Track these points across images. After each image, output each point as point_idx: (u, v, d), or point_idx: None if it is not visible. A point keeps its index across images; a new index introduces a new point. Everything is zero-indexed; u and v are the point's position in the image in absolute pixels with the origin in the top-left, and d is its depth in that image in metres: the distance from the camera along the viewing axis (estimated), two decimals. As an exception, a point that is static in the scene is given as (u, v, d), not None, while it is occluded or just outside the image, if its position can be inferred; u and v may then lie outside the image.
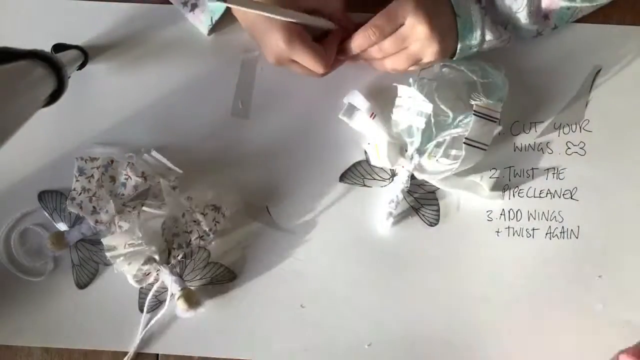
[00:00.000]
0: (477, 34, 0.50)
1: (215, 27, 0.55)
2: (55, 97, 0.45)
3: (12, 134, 0.40)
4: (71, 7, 0.56)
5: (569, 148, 0.55)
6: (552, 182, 0.55)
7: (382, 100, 0.54)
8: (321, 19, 0.49)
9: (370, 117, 0.53)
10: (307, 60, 0.47)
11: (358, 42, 0.49)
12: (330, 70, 0.50)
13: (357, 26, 0.49)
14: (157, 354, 0.55)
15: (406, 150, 0.53)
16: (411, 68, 0.51)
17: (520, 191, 0.55)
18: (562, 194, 0.55)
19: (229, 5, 0.45)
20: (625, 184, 0.55)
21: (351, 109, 0.54)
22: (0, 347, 0.56)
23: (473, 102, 0.50)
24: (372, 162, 0.55)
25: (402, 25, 0.48)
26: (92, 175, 0.54)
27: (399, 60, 0.50)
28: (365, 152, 0.55)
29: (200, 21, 0.54)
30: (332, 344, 0.55)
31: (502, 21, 0.51)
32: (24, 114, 0.41)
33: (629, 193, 0.55)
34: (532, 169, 0.55)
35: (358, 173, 0.56)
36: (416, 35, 0.48)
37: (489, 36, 0.50)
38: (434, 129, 0.52)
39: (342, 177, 0.56)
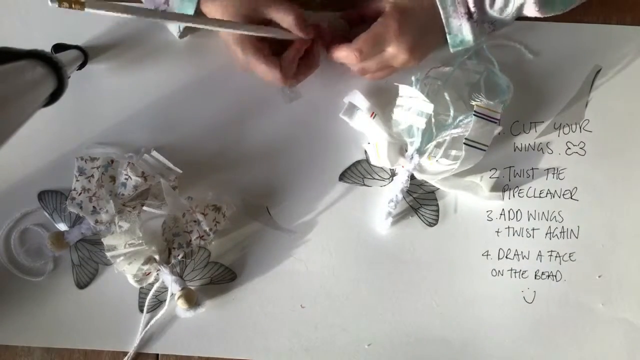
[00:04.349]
0: (468, 42, 0.51)
1: (186, 31, 0.54)
2: (55, 97, 0.45)
3: (12, 134, 0.40)
4: (71, 7, 0.56)
5: (569, 148, 0.55)
6: (552, 182, 0.55)
7: (383, 99, 0.54)
8: (278, 30, 0.49)
9: (371, 116, 0.53)
10: (261, 72, 0.49)
11: (339, 55, 0.51)
12: (295, 81, 0.51)
13: (317, 30, 0.51)
14: (157, 354, 0.55)
15: (406, 150, 0.53)
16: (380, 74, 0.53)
17: (520, 191, 0.55)
18: (562, 194, 0.55)
19: (189, 25, 0.46)
20: (625, 183, 0.55)
21: (351, 109, 0.54)
22: (0, 347, 0.56)
23: (473, 103, 0.50)
24: (372, 162, 0.55)
25: (385, 50, 0.49)
26: (92, 175, 0.54)
27: (378, 74, 0.53)
28: (365, 152, 0.55)
29: (171, 26, 0.54)
30: (332, 344, 0.55)
31: (489, 22, 0.51)
32: (24, 114, 0.41)
33: (628, 193, 0.55)
34: (532, 169, 0.55)
35: (358, 172, 0.56)
36: (398, 61, 0.50)
37: (479, 38, 0.51)
38: (434, 129, 0.52)
39: (342, 177, 0.56)
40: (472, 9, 0.49)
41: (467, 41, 0.50)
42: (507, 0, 0.49)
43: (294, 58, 0.49)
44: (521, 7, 0.49)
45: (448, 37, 0.50)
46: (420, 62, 0.51)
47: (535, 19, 0.52)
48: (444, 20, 0.49)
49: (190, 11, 0.48)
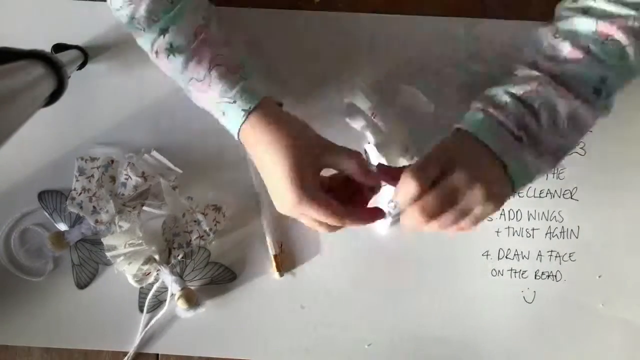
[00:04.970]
0: (531, 171, 0.45)
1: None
2: (55, 97, 0.45)
3: (12, 134, 0.40)
4: (71, 7, 0.56)
5: (568, 148, 0.55)
6: (551, 182, 0.55)
7: (384, 99, 0.54)
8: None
9: (372, 116, 0.53)
10: (318, 217, 0.44)
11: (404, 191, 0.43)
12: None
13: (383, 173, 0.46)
14: (157, 354, 0.55)
15: (407, 150, 0.53)
16: (464, 224, 0.43)
17: (520, 191, 0.55)
18: (562, 194, 0.55)
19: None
20: (625, 183, 0.55)
21: (352, 108, 0.54)
22: (0, 347, 0.56)
23: (474, 106, 0.50)
24: (372, 162, 0.55)
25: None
26: (92, 175, 0.54)
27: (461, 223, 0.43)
28: (366, 152, 0.55)
29: None
30: (332, 344, 0.55)
31: (549, 149, 0.45)
32: (24, 114, 0.41)
33: (628, 193, 0.55)
34: (532, 169, 0.55)
35: None
36: (475, 206, 0.42)
37: (542, 167, 0.45)
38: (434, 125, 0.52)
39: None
40: (518, 133, 0.43)
41: (529, 170, 0.44)
42: (551, 112, 0.44)
43: (360, 207, 0.46)
44: (573, 115, 0.44)
45: (507, 170, 0.43)
46: (498, 205, 0.43)
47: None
48: (497, 153, 0.43)
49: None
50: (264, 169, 0.46)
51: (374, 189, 0.47)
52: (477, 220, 0.43)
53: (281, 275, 0.55)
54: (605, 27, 0.44)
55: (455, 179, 0.41)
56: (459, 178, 0.41)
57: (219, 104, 0.47)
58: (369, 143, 0.55)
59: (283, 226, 0.55)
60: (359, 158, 0.45)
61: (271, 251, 0.54)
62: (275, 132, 0.44)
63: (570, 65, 0.45)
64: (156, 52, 0.48)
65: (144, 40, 0.48)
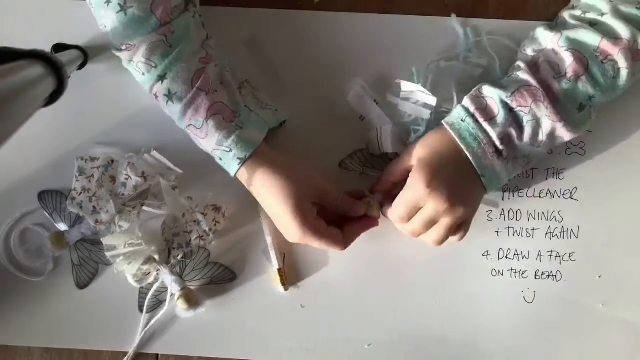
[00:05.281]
0: (504, 180, 0.50)
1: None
2: (55, 97, 0.45)
3: (12, 134, 0.40)
4: (71, 7, 0.56)
5: (568, 148, 0.55)
6: (551, 182, 0.55)
7: (387, 88, 0.55)
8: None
9: (375, 102, 0.53)
10: (322, 247, 0.49)
11: (388, 216, 0.51)
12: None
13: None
14: (157, 354, 0.56)
15: (408, 139, 0.53)
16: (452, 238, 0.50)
17: (520, 191, 0.55)
18: (561, 194, 0.55)
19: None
20: (625, 183, 0.55)
21: (357, 94, 0.54)
22: (0, 347, 0.56)
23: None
24: (373, 151, 0.54)
25: (424, 208, 0.48)
26: (92, 175, 0.54)
27: (434, 235, 0.49)
28: (367, 140, 0.55)
29: None
30: (332, 343, 0.55)
31: (523, 156, 0.50)
32: (24, 114, 0.41)
33: (628, 193, 0.55)
34: (532, 169, 0.55)
35: (358, 160, 0.55)
36: (443, 214, 0.47)
37: (514, 173, 0.51)
38: (433, 119, 0.52)
39: (342, 163, 0.55)
40: (500, 147, 0.47)
41: (502, 179, 0.49)
42: (535, 129, 0.47)
43: (358, 233, 0.52)
44: (552, 133, 0.48)
45: (482, 179, 0.48)
46: (471, 209, 0.49)
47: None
48: (474, 163, 0.48)
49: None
50: (266, 207, 0.50)
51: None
52: (460, 226, 0.49)
53: (286, 289, 0.55)
54: (608, 47, 0.46)
55: (432, 208, 0.47)
56: (437, 205, 0.47)
57: (216, 151, 0.49)
58: (369, 130, 0.54)
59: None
60: (343, 196, 0.50)
61: (275, 265, 0.54)
62: (272, 178, 0.48)
63: (566, 81, 0.47)
64: (155, 95, 0.49)
65: (143, 82, 0.49)
